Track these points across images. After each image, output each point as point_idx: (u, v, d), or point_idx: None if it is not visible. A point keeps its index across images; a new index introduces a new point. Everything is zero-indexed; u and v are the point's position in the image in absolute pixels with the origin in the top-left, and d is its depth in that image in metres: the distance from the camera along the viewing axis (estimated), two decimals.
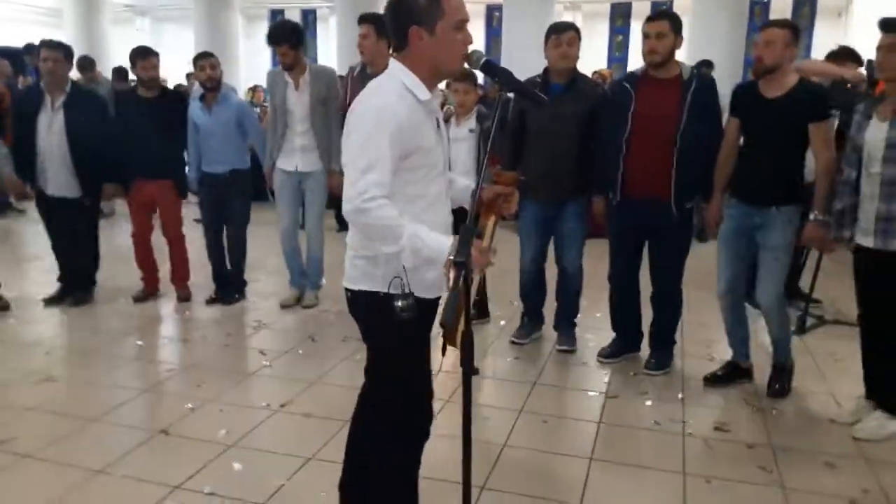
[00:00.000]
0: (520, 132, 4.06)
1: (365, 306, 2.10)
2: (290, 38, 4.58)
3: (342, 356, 4.12)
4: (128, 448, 3.09)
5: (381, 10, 7.90)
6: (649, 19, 3.67)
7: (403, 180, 1.98)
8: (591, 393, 3.69)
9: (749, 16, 10.43)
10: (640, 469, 2.96)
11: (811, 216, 3.35)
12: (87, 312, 5.07)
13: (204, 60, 4.96)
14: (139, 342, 4.48)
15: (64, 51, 4.78)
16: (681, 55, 3.67)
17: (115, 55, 12.50)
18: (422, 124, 1.98)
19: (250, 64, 13.99)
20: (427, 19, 1.93)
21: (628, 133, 3.67)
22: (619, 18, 13.73)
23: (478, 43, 13.84)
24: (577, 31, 3.96)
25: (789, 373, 3.70)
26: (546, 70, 4.02)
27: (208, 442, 3.16)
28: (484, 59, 1.97)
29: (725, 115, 3.72)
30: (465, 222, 1.90)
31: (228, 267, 5.30)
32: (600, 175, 3.86)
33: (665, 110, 3.59)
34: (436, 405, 2.39)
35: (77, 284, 5.19)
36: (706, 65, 7.61)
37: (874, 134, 3.02)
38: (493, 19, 13.39)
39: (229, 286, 5.28)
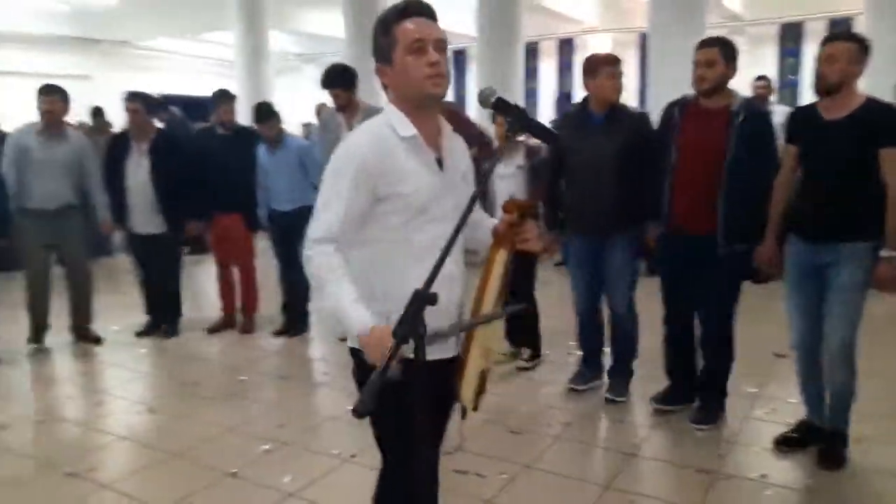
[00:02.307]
0: (560, 164, 3.96)
1: (356, 367, 1.91)
2: (342, 82, 4.75)
3: None
4: (192, 489, 3.08)
5: (519, 51, 7.64)
6: (699, 46, 3.46)
7: (384, 225, 1.82)
8: (699, 471, 3.21)
9: None
10: None
11: (882, 253, 2.98)
12: (199, 345, 5.28)
13: (226, 104, 5.33)
14: (242, 377, 4.54)
15: (143, 100, 5.16)
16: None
17: (281, 101, 13.34)
18: (399, 165, 1.80)
19: None
20: (385, 53, 1.82)
21: (674, 163, 3.51)
22: (790, 40, 12.80)
23: (631, 72, 13.43)
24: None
25: (844, 441, 3.24)
26: (585, 99, 3.92)
27: (269, 488, 3.08)
28: (496, 96, 1.77)
29: None
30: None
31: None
32: (650, 202, 3.66)
33: (711, 142, 3.39)
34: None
35: (165, 318, 5.47)
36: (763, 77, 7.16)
37: None
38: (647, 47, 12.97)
39: (295, 320, 5.45)
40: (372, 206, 1.80)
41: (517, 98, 11.48)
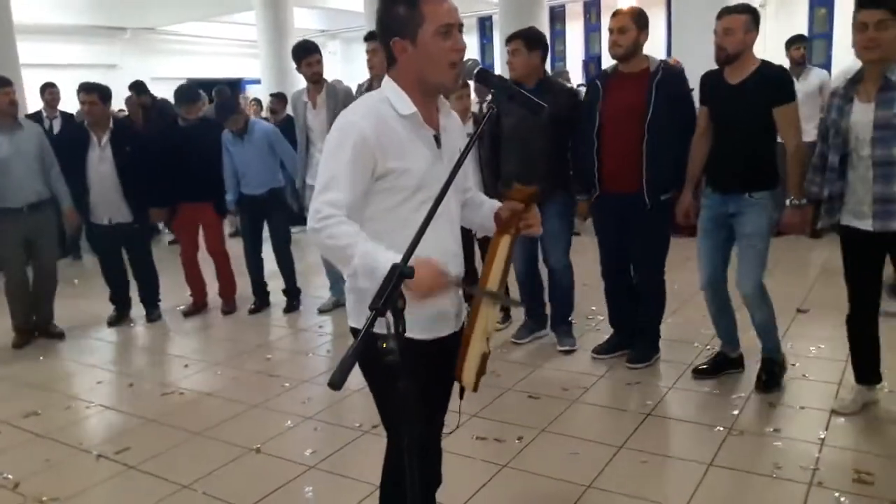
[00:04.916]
0: (498, 137, 4.16)
1: None
2: (318, 49, 4.88)
3: None
4: (217, 465, 3.17)
5: (543, 16, 7.75)
6: (613, 15, 3.72)
7: (382, 203, 1.81)
8: (711, 427, 3.22)
9: None
10: None
11: (787, 201, 3.31)
12: (224, 324, 5.41)
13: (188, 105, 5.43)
14: (268, 356, 4.64)
15: (99, 93, 5.13)
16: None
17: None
18: (399, 141, 1.79)
19: None
20: (407, 29, 1.76)
21: (598, 128, 3.76)
22: None
23: (660, 28, 13.02)
24: (524, 38, 4.03)
25: (780, 366, 3.60)
26: None
27: (291, 462, 3.16)
28: (479, 67, 1.78)
29: None
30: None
31: (280, 279, 5.64)
32: (578, 173, 3.99)
33: (631, 103, 3.65)
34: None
35: (147, 303, 5.57)
36: (800, 39, 6.81)
37: (860, 116, 2.92)
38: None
39: (287, 297, 5.62)
40: (371, 184, 1.79)
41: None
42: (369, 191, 1.80)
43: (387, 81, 1.86)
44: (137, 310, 5.64)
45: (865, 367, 3.23)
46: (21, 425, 3.73)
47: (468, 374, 1.88)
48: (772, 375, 3.55)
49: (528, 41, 4.01)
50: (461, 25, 1.80)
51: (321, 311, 5.44)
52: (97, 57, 14.51)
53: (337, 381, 1.32)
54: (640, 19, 3.67)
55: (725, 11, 3.33)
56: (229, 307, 5.65)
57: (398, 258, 1.56)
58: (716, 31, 3.35)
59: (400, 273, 1.43)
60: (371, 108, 1.81)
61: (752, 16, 3.30)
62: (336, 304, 5.42)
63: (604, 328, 4.43)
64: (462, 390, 1.94)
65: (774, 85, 3.31)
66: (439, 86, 1.84)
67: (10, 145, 4.81)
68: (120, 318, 5.55)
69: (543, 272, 4.44)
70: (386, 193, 1.81)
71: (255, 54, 14.57)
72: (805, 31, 12.16)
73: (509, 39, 4.08)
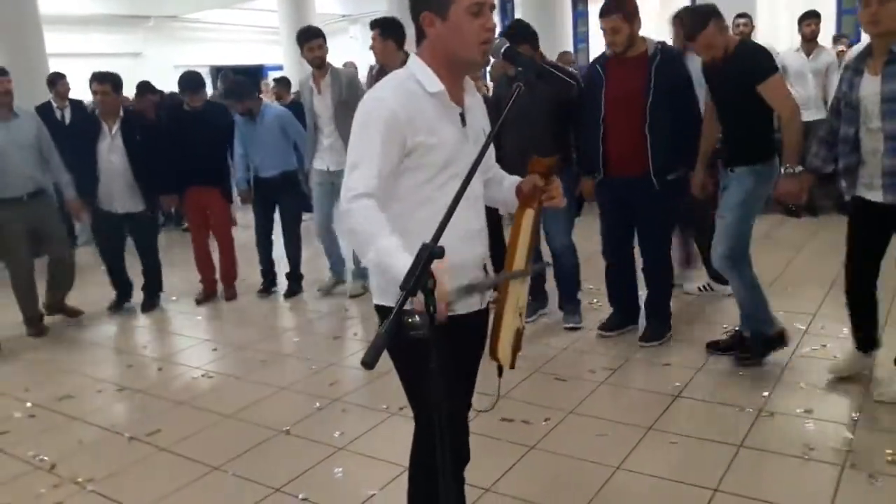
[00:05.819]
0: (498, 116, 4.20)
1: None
2: (321, 34, 4.98)
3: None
4: (247, 447, 3.20)
5: None
6: (602, 14, 3.71)
7: (407, 182, 1.80)
8: (741, 409, 3.18)
9: None
10: None
11: (782, 169, 3.33)
12: (250, 309, 5.43)
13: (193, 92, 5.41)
14: (295, 339, 4.67)
15: (112, 82, 5.11)
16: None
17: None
18: (427, 117, 1.78)
19: None
20: (438, 3, 1.75)
21: (603, 113, 3.79)
22: None
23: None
24: (508, 38, 3.96)
25: (766, 343, 3.56)
26: None
27: (320, 443, 3.18)
28: (506, 46, 1.77)
29: None
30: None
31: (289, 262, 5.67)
32: (583, 156, 4.07)
33: (633, 88, 3.69)
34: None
35: (148, 292, 5.56)
36: (812, 15, 6.61)
37: (868, 89, 2.93)
38: None
39: (290, 282, 5.65)
40: (400, 161, 1.78)
41: (565, 44, 11.24)
42: (397, 169, 1.79)
43: (413, 59, 1.86)
44: (167, 296, 5.72)
45: (864, 335, 3.29)
46: (55, 408, 3.80)
47: (503, 350, 1.88)
48: (752, 350, 3.58)
49: (513, 40, 4.03)
50: (493, 6, 1.79)
51: (320, 291, 5.52)
52: (121, 46, 14.63)
53: (370, 361, 1.31)
54: (627, 13, 3.66)
55: (691, 34, 3.40)
56: (230, 293, 5.67)
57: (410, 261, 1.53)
58: (695, 49, 3.49)
59: (430, 253, 1.42)
60: (399, 84, 1.82)
61: (715, 18, 3.34)
62: (335, 285, 5.53)
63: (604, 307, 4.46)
64: (500, 368, 1.94)
65: (750, 64, 3.36)
66: (468, 63, 1.83)
67: (5, 134, 4.81)
68: (119, 305, 5.55)
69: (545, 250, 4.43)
70: (412, 171, 1.80)
71: (277, 41, 14.60)
72: (834, 8, 11.94)
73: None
